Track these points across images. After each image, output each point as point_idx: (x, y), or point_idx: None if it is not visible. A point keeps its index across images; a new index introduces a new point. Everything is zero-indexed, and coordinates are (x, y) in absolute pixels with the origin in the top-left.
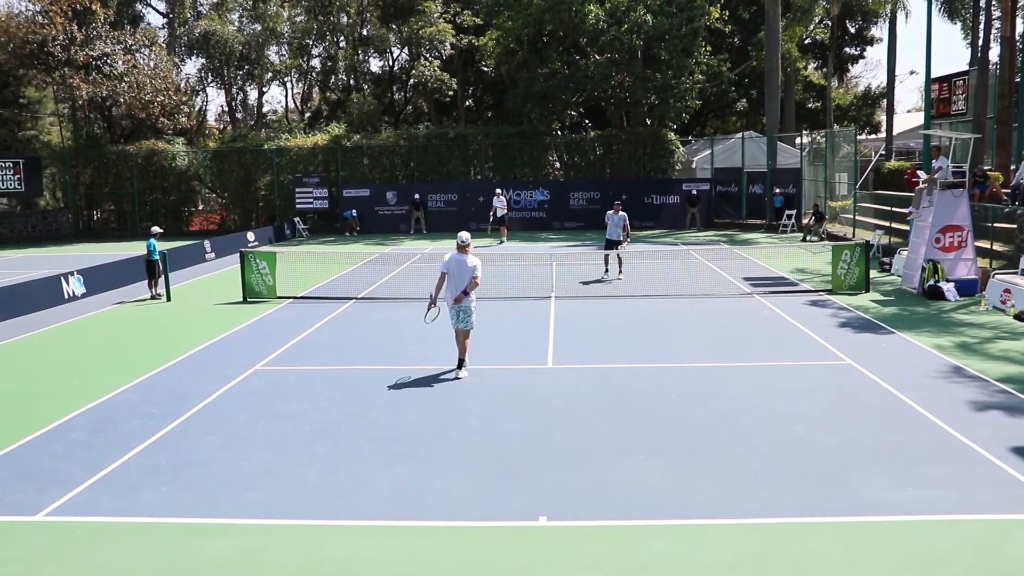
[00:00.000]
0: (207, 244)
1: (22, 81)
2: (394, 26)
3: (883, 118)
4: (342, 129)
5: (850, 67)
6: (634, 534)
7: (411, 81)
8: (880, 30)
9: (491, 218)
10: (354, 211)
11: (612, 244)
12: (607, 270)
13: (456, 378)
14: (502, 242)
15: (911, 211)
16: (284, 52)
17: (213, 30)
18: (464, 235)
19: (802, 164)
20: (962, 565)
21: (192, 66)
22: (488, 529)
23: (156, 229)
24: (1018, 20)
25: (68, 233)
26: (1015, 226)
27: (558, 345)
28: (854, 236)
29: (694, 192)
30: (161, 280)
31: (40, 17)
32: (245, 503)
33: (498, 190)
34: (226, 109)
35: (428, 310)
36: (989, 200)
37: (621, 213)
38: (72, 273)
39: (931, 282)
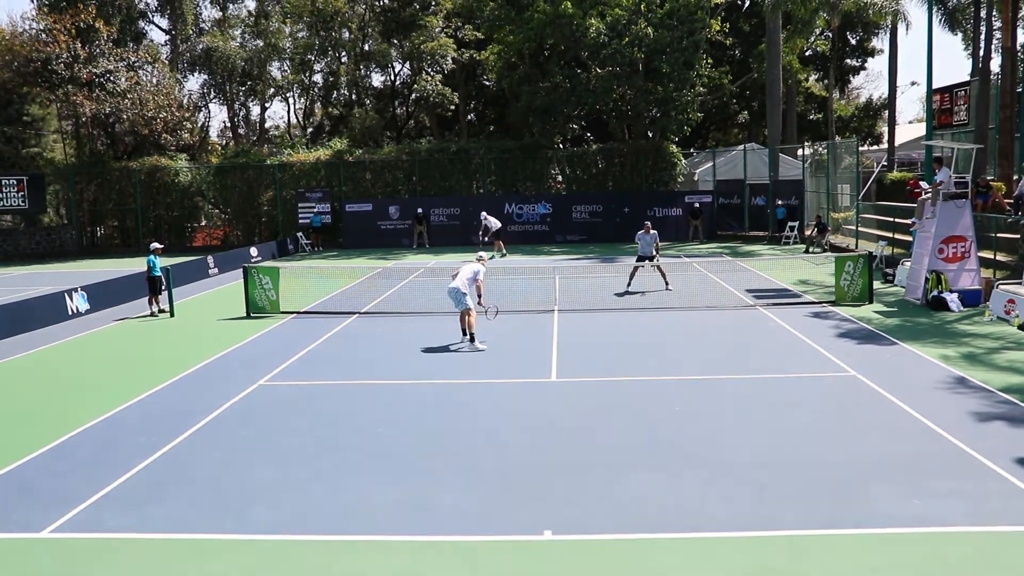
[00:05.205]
0: (210, 259)
1: (26, 99)
2: (396, 41)
3: (885, 129)
4: (344, 144)
5: (851, 78)
6: (640, 548)
7: (413, 96)
8: (881, 41)
9: (487, 235)
10: (324, 218)
11: (644, 258)
12: (630, 284)
13: (470, 349)
14: (504, 255)
15: (914, 222)
16: (286, 68)
17: (215, 46)
18: (483, 253)
19: (804, 176)
20: None
21: (194, 82)
22: (494, 543)
23: (156, 245)
24: (1019, 30)
25: (72, 250)
26: (1018, 236)
27: (562, 358)
28: (857, 247)
29: (696, 204)
30: (163, 296)
31: (44, 35)
32: (250, 519)
33: (483, 212)
34: (228, 125)
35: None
36: (992, 210)
37: (653, 232)
38: (76, 289)
39: (935, 293)
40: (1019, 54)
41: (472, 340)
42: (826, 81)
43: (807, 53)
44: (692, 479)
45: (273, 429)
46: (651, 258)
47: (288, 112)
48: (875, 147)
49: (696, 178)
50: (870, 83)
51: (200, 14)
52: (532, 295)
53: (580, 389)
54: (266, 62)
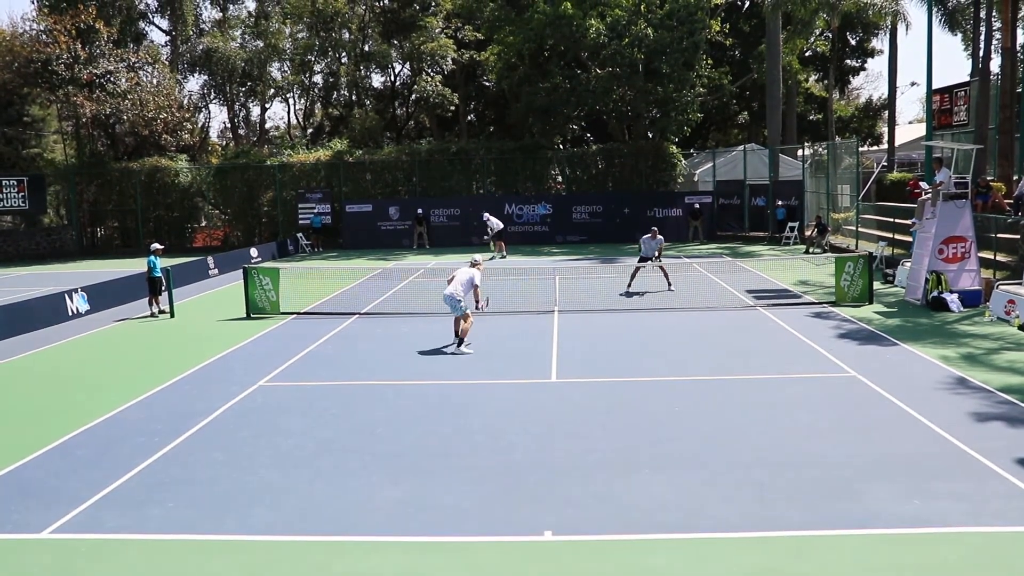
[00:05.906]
0: (210, 260)
1: (26, 99)
2: (396, 42)
3: (885, 129)
4: (344, 144)
5: (851, 79)
6: (640, 548)
7: (413, 96)
8: (881, 42)
9: (490, 233)
10: (324, 219)
11: (646, 259)
12: (631, 284)
13: (456, 352)
14: (504, 256)
15: (914, 222)
16: (286, 68)
17: (215, 47)
18: (477, 257)
19: (804, 176)
20: None
21: (195, 83)
22: (494, 544)
23: (156, 246)
24: (1019, 30)
25: (72, 250)
26: (1018, 236)
27: (562, 359)
28: (857, 248)
29: (696, 205)
30: (163, 297)
31: (44, 36)
32: (251, 519)
33: (486, 213)
34: (228, 125)
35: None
36: (992, 211)
37: (659, 238)
38: (76, 290)
39: (935, 293)
40: (1019, 54)
41: (459, 344)
42: (826, 81)
43: (807, 53)
44: (692, 479)
45: (273, 429)
46: (650, 258)
47: (288, 113)
48: (875, 147)
49: (696, 179)
50: (870, 83)
51: (200, 15)
52: (532, 296)
53: (580, 389)
54: (266, 63)
